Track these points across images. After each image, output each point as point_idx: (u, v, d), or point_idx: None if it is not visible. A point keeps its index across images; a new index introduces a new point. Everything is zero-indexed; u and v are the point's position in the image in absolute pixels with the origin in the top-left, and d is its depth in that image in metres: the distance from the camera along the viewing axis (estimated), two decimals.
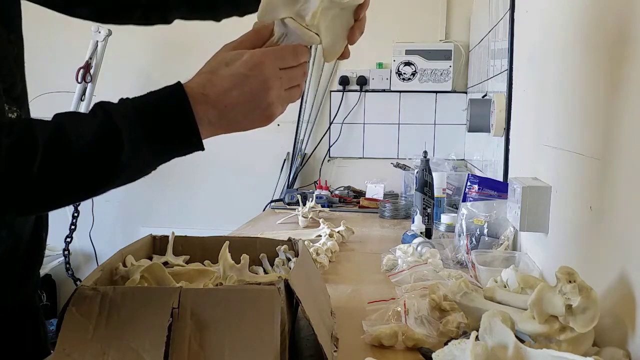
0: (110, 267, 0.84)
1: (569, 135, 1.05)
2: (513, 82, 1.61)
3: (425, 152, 1.77)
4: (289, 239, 1.05)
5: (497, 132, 1.69)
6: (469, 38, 2.79)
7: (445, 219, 1.83)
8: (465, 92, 2.78)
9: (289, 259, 1.02)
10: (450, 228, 1.74)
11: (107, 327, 0.68)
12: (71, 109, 2.76)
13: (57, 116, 0.64)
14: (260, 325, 0.68)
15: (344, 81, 2.87)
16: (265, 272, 1.01)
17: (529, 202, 1.13)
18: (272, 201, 2.58)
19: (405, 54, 2.78)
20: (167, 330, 0.67)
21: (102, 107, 0.64)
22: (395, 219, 2.12)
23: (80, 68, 2.73)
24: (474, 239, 1.39)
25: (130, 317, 0.68)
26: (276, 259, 1.03)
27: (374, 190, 2.50)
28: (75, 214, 2.77)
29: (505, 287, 0.99)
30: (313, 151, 2.95)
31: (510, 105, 1.62)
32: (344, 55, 0.76)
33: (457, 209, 1.69)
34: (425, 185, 1.73)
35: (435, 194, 1.81)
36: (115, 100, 0.66)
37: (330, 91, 2.92)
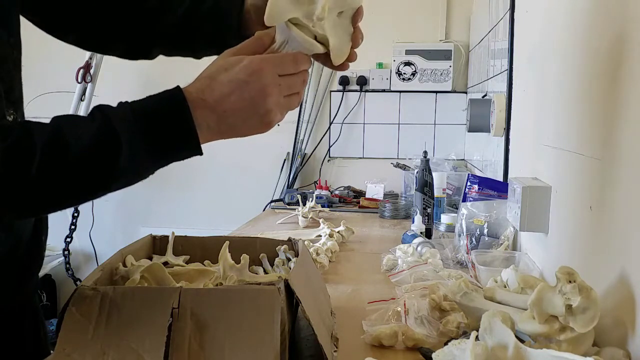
0: (110, 267, 0.84)
1: (569, 135, 1.05)
2: (513, 82, 1.61)
3: (425, 152, 1.77)
4: (289, 239, 1.05)
5: (497, 132, 1.69)
6: (469, 38, 2.79)
7: (445, 219, 1.83)
8: (465, 92, 2.78)
9: (289, 259, 1.02)
10: (450, 228, 1.74)
11: (107, 327, 0.68)
12: (71, 109, 2.76)
13: (56, 119, 0.64)
14: (260, 325, 0.68)
15: (344, 81, 2.87)
16: (265, 272, 1.01)
17: (529, 202, 1.13)
18: (272, 201, 2.58)
19: (405, 54, 2.78)
20: (167, 330, 0.67)
21: (100, 111, 0.64)
22: (395, 219, 2.12)
23: (80, 68, 2.73)
24: (474, 239, 1.39)
25: (130, 317, 0.68)
26: (276, 259, 1.03)
27: (374, 190, 2.50)
28: (75, 214, 2.78)
29: (505, 287, 0.99)
30: (313, 151, 2.95)
31: (510, 105, 1.62)
32: (350, 58, 0.76)
33: (457, 209, 1.69)
34: (425, 185, 1.73)
35: (435, 194, 1.81)
36: (114, 102, 0.66)
37: (330, 91, 2.92)
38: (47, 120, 0.64)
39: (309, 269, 0.93)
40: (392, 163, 2.51)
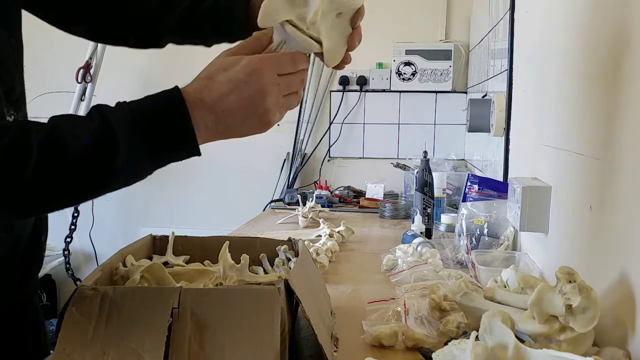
0: (110, 267, 0.84)
1: (569, 135, 1.05)
2: (513, 82, 1.61)
3: (425, 152, 1.77)
4: (289, 239, 1.05)
5: (497, 132, 1.69)
6: (469, 38, 2.79)
7: (445, 219, 1.83)
8: (465, 92, 2.78)
9: (289, 259, 1.02)
10: (450, 228, 1.74)
11: (107, 327, 0.68)
12: (71, 109, 2.76)
13: (53, 118, 0.64)
14: (260, 325, 0.68)
15: (344, 81, 2.87)
16: (265, 272, 1.01)
17: (529, 202, 1.13)
18: (272, 201, 2.58)
19: (405, 54, 2.78)
20: (167, 330, 0.67)
21: (99, 110, 0.64)
22: (395, 219, 2.12)
23: (80, 68, 2.72)
24: (474, 239, 1.39)
25: (130, 317, 0.68)
26: (276, 259, 1.03)
27: (374, 190, 2.50)
28: (75, 214, 2.77)
29: (505, 287, 0.99)
30: (313, 151, 2.95)
31: (510, 105, 1.62)
32: (345, 60, 0.76)
33: (457, 209, 1.69)
34: (425, 185, 1.73)
35: (435, 194, 1.81)
36: (114, 102, 0.65)
37: (330, 91, 2.92)
38: (46, 120, 0.64)
39: (309, 269, 0.93)
40: (392, 163, 2.51)
